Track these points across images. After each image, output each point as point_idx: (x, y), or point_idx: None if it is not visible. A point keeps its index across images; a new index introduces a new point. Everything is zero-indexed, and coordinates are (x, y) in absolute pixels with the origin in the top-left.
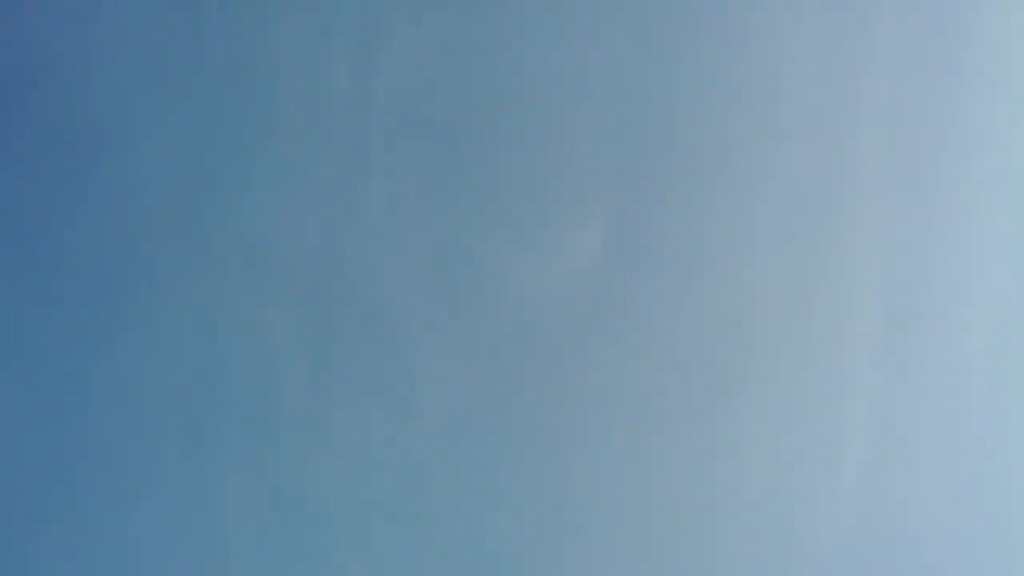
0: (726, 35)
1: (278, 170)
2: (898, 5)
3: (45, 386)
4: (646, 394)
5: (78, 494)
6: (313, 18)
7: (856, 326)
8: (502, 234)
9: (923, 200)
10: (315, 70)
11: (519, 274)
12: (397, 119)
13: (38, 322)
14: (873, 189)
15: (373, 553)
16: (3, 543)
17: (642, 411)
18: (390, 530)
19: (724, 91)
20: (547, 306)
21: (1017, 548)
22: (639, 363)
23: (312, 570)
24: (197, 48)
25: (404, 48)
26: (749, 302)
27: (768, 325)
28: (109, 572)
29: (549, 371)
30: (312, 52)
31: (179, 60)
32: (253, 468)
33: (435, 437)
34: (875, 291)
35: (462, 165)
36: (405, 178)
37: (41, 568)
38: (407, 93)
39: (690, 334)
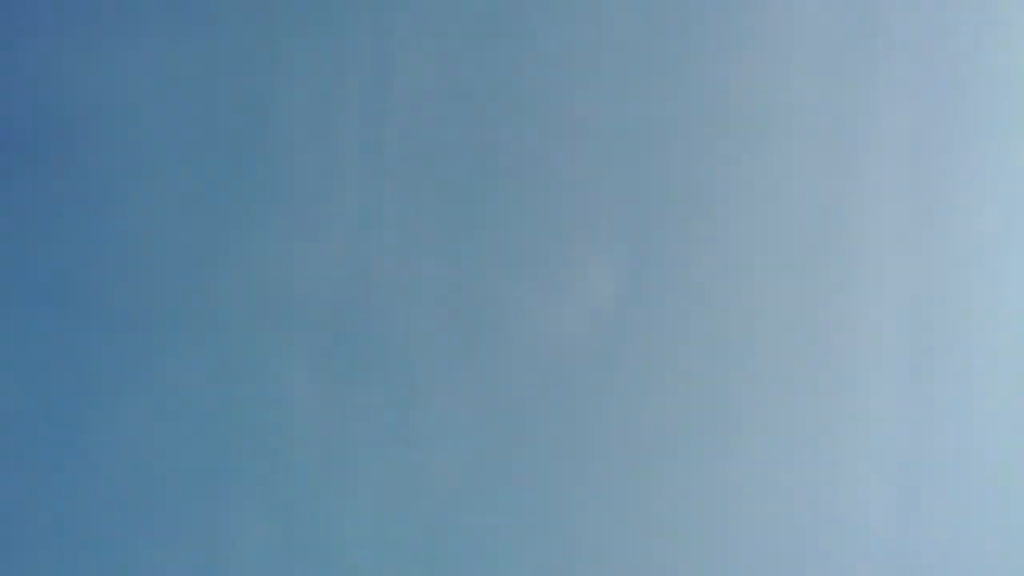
0: (738, 70)
1: (292, 208)
2: (902, 8)
3: (60, 428)
4: (663, 433)
5: (91, 530)
6: (325, 56)
7: (874, 364)
8: (518, 273)
9: (940, 215)
10: (328, 109)
11: (535, 313)
12: (412, 156)
13: (51, 364)
14: (895, 217)
15: None
16: None
17: (659, 450)
18: (406, 563)
19: (744, 121)
20: (564, 345)
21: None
22: (656, 402)
23: None
24: (209, 88)
25: (418, 83)
26: (766, 341)
27: (785, 366)
28: None
29: (566, 410)
30: (325, 91)
31: (191, 101)
32: (268, 507)
33: (451, 477)
34: (892, 316)
35: (477, 203)
36: (420, 216)
37: None
38: (422, 130)
39: (706, 374)
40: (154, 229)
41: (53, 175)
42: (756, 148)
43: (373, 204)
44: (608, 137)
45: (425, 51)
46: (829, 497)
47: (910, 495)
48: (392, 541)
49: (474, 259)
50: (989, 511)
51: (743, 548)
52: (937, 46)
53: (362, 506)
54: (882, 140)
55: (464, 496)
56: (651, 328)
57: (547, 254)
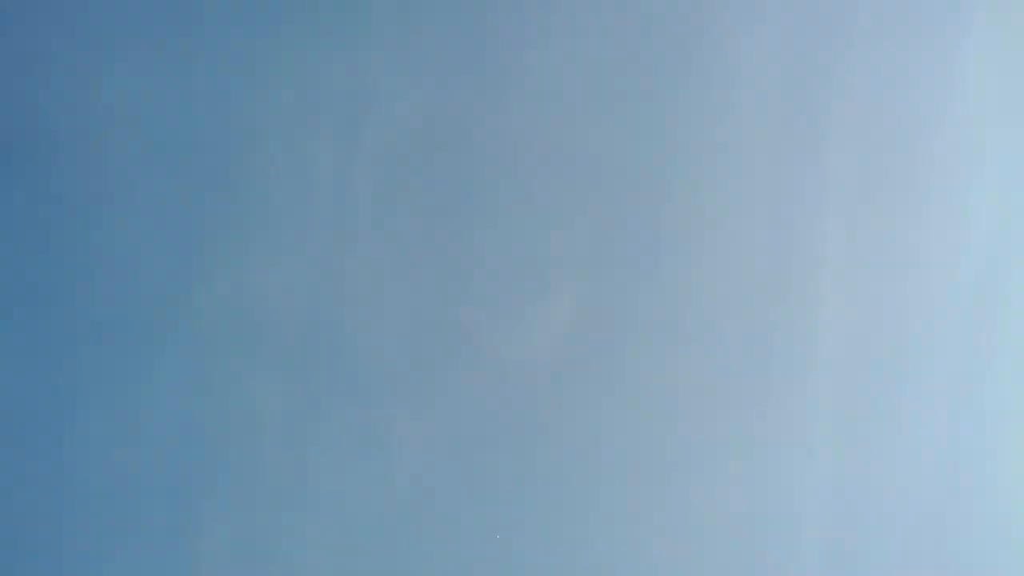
0: (699, 93)
1: (264, 238)
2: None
3: (31, 435)
4: (623, 458)
5: (59, 547)
6: (300, 75)
7: (814, 384)
8: (483, 297)
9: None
10: (301, 141)
11: (499, 342)
12: (380, 182)
13: (23, 372)
14: (843, 236)
15: None
16: None
17: (619, 475)
18: None
19: (697, 151)
20: (527, 373)
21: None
22: (617, 429)
23: None
24: (185, 105)
25: (388, 116)
26: (726, 364)
27: (744, 389)
28: None
29: (528, 437)
30: (298, 122)
31: (164, 124)
32: (235, 524)
33: (414, 502)
34: (832, 336)
35: (443, 229)
36: (388, 246)
37: None
38: (391, 162)
39: (669, 396)
40: (128, 241)
41: (26, 185)
42: (709, 183)
43: (344, 224)
44: (570, 168)
45: (398, 74)
46: (768, 507)
47: (844, 504)
48: (355, 551)
49: (439, 280)
50: (923, 516)
51: (691, 556)
52: (886, 86)
53: (327, 516)
54: (829, 175)
55: (426, 508)
56: (608, 351)
57: (510, 277)
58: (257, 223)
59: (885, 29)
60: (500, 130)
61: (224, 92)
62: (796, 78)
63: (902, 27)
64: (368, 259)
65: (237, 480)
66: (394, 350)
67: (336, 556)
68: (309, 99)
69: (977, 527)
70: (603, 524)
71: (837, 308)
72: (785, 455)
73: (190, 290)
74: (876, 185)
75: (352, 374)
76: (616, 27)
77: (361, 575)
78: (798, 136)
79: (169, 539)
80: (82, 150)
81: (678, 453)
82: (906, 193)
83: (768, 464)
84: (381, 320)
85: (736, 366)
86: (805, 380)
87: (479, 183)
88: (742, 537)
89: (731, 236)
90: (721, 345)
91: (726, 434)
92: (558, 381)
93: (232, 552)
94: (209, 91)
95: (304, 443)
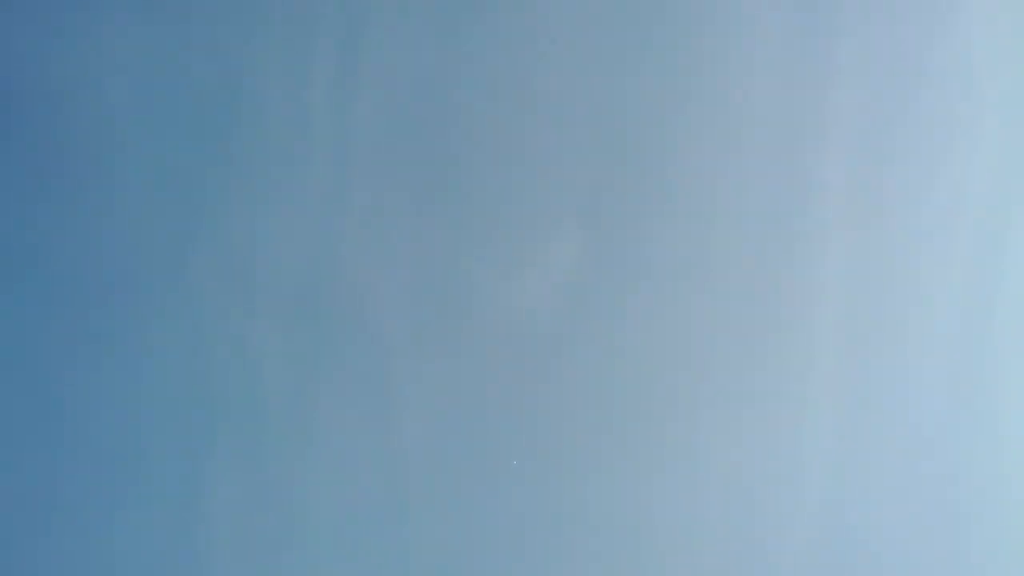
0: (699, 52)
1: (262, 184)
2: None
3: (30, 398)
4: (627, 405)
5: (66, 502)
6: (296, 38)
7: (826, 337)
8: (484, 246)
9: (889, 214)
10: (297, 85)
11: (501, 285)
12: (379, 132)
13: (23, 335)
14: (842, 200)
15: (357, 559)
16: None
17: (623, 421)
18: (374, 536)
19: (697, 103)
20: (529, 316)
21: (982, 549)
22: (620, 374)
23: (297, 574)
24: (181, 63)
25: (385, 60)
26: (727, 311)
27: (745, 335)
28: None
29: (531, 381)
30: (295, 68)
31: (163, 76)
32: (240, 476)
33: (419, 446)
34: (843, 300)
35: (444, 178)
36: (387, 191)
37: (29, 573)
38: (389, 106)
39: (669, 346)
40: (126, 195)
41: (23, 137)
42: (711, 136)
43: (342, 183)
44: (570, 122)
45: (392, 37)
46: (771, 473)
47: (842, 494)
48: (359, 502)
49: (440, 236)
50: (922, 511)
51: (699, 529)
52: (884, 76)
53: (331, 471)
54: (830, 140)
55: (431, 463)
56: (613, 307)
57: (511, 233)
58: (255, 173)
59: (883, 15)
60: (498, 86)
61: (219, 51)
62: (796, 64)
63: (901, 13)
64: (367, 210)
65: (240, 436)
66: (395, 302)
67: (340, 508)
68: (306, 43)
69: (976, 523)
70: (606, 469)
71: (839, 260)
72: (786, 411)
73: (190, 251)
74: (875, 172)
75: (353, 326)
76: None
77: (365, 528)
78: (799, 94)
79: (174, 496)
80: (79, 100)
81: (681, 408)
82: (904, 182)
83: (767, 420)
84: (381, 272)
85: (739, 318)
86: (802, 345)
87: (479, 131)
88: (737, 523)
89: (730, 196)
90: (723, 299)
91: (737, 381)
92: (560, 331)
93: (237, 508)
94: (204, 49)
95: (306, 397)
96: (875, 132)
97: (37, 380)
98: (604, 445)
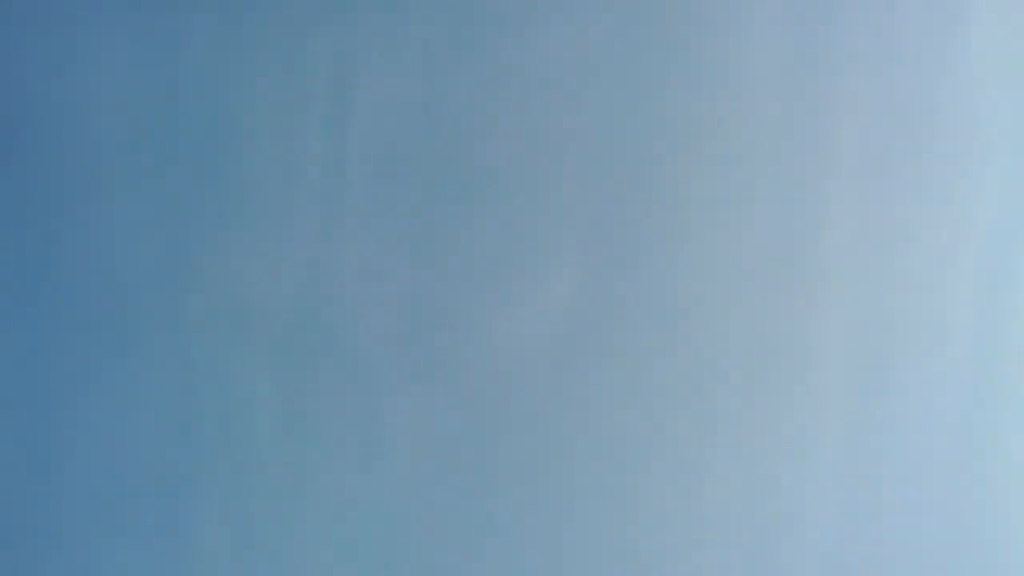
0: (699, 84)
1: (255, 223)
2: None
3: (9, 435)
4: (625, 442)
5: (53, 527)
6: (289, 73)
7: (823, 372)
8: (478, 286)
9: (900, 218)
10: (291, 114)
11: (495, 326)
12: (373, 171)
13: (14, 365)
14: (849, 222)
15: None
16: None
17: (617, 459)
18: (364, 572)
19: (699, 134)
20: (523, 358)
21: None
22: (617, 409)
23: None
24: (174, 94)
25: (379, 100)
26: (724, 347)
27: (743, 372)
28: None
29: (525, 423)
30: (286, 106)
31: (156, 107)
32: (228, 518)
33: (410, 489)
34: (841, 325)
35: (438, 217)
36: (381, 230)
37: None
38: (383, 145)
39: (669, 381)
40: (114, 231)
41: (19, 178)
42: (713, 161)
43: (335, 209)
44: (567, 147)
45: (388, 60)
46: (776, 497)
47: (854, 497)
48: (350, 541)
49: (433, 264)
50: (932, 510)
51: (698, 548)
52: (890, 75)
53: (321, 507)
54: (837, 158)
55: (423, 496)
56: (608, 333)
57: (506, 260)
58: (246, 210)
59: (889, 15)
60: (494, 114)
61: (211, 78)
62: (799, 67)
63: (907, 13)
64: (360, 245)
65: (229, 472)
66: (388, 337)
67: (331, 547)
68: (297, 83)
69: (990, 530)
70: (601, 509)
71: (842, 296)
72: (789, 448)
73: (178, 280)
74: (881, 174)
75: (345, 362)
76: (615, 7)
77: (357, 566)
78: (800, 123)
79: (161, 533)
80: (67, 138)
81: (678, 440)
82: (911, 182)
83: (772, 453)
84: (374, 307)
85: (738, 351)
86: (809, 368)
87: (472, 167)
88: (744, 530)
89: (733, 221)
90: (722, 329)
91: (728, 420)
92: (556, 366)
93: (225, 545)
94: (196, 77)
95: (297, 433)
96: (883, 149)
97: (18, 418)
98: (601, 483)
